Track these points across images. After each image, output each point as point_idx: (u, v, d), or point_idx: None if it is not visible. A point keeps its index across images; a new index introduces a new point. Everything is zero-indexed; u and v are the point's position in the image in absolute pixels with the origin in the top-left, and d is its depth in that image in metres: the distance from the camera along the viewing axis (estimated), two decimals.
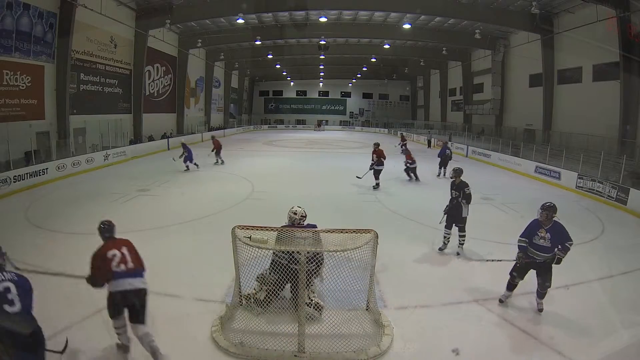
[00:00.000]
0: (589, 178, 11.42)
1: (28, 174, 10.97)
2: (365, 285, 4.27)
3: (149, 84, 23.51)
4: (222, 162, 15.85)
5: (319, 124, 45.67)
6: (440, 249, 6.43)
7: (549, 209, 4.36)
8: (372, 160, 11.32)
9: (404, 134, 26.00)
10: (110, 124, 17.59)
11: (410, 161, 12.90)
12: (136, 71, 21.06)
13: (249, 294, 4.36)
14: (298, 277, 3.79)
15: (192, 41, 25.71)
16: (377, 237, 3.97)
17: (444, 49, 27.47)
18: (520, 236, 4.54)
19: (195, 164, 14.37)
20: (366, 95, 49.39)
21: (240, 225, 4.00)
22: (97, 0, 15.40)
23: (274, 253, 4.20)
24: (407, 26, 22.21)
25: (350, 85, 48.34)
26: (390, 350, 3.71)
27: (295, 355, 3.56)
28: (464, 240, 6.32)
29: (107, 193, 10.31)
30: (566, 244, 4.29)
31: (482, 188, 11.94)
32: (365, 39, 27.42)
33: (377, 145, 11.53)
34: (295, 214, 4.53)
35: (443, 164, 13.73)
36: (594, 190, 11.07)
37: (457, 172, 6.36)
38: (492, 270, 5.64)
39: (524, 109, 23.24)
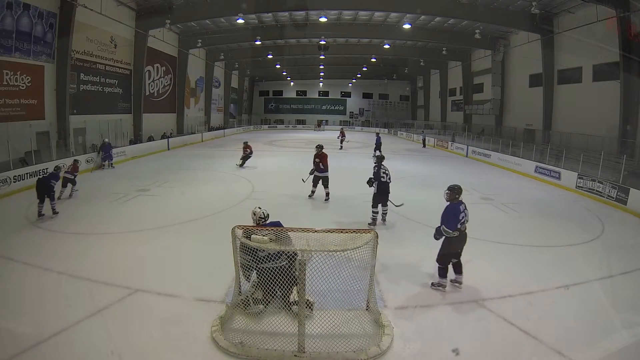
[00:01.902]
0: (589, 178, 11.42)
1: (28, 174, 10.95)
2: (365, 285, 4.27)
3: (149, 84, 23.51)
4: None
5: (319, 124, 45.66)
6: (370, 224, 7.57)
7: (449, 189, 4.94)
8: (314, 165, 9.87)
9: (343, 128, 26.88)
10: (110, 124, 17.57)
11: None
12: (136, 71, 21.06)
13: (246, 298, 4.33)
14: (272, 275, 3.92)
15: (192, 41, 25.70)
16: (377, 237, 3.97)
17: (444, 49, 27.46)
18: None
19: (110, 163, 14.78)
20: (366, 95, 49.37)
21: (240, 225, 4.00)
22: (97, 0, 15.40)
23: (240, 257, 4.17)
24: (407, 26, 22.20)
25: (350, 85, 48.31)
26: (390, 350, 3.71)
27: (295, 355, 3.56)
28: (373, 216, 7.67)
29: (107, 193, 10.30)
30: (438, 226, 4.82)
31: (482, 188, 11.96)
32: (365, 39, 27.40)
33: (320, 148, 10.05)
34: (254, 214, 4.55)
35: (377, 148, 18.97)
36: (594, 190, 11.07)
37: (378, 158, 7.80)
38: (493, 271, 5.65)
39: (524, 109, 23.24)
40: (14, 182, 10.35)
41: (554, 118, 20.35)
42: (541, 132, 20.62)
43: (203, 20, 22.75)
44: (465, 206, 4.85)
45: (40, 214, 7.82)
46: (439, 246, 4.95)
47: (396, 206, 7.65)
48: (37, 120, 14.30)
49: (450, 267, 4.98)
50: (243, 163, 15.40)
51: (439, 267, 4.96)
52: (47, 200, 7.89)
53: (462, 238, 4.85)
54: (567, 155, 13.58)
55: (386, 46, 28.21)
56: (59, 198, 8.91)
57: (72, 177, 9.74)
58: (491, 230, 7.62)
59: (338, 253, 3.82)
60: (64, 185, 9.57)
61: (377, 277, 4.72)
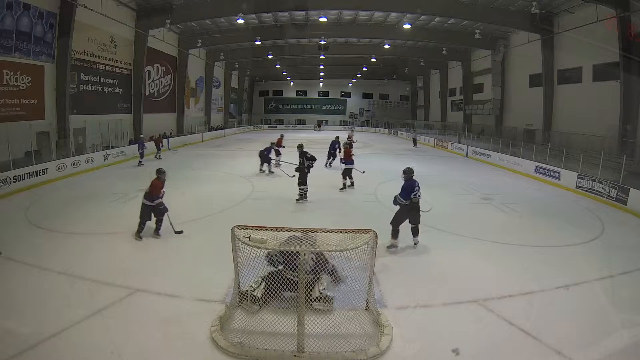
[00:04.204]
0: (589, 178, 11.41)
1: (28, 174, 10.96)
2: (365, 285, 4.27)
3: (149, 84, 23.50)
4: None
5: (319, 124, 45.66)
6: (298, 200, 9.25)
7: (403, 172, 6.35)
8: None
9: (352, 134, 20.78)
10: (110, 124, 17.57)
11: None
12: (136, 71, 21.04)
13: (245, 291, 4.37)
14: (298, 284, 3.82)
15: (192, 41, 25.69)
16: (376, 237, 3.96)
17: (444, 49, 27.45)
18: None
19: (140, 162, 15.60)
20: (366, 95, 49.36)
21: (240, 225, 3.99)
22: (97, 0, 15.39)
23: (271, 264, 4.26)
24: (407, 26, 22.20)
25: (350, 85, 48.29)
26: (390, 350, 3.71)
27: (294, 355, 3.56)
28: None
29: (107, 193, 10.30)
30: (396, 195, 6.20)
31: (482, 188, 11.95)
32: (365, 39, 27.37)
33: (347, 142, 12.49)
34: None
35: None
36: (594, 190, 11.07)
37: (298, 146, 9.90)
38: (493, 271, 5.66)
39: (524, 109, 23.23)
40: (14, 182, 10.35)
41: (554, 118, 20.34)
42: (541, 132, 20.61)
43: (203, 20, 22.73)
44: (418, 184, 6.20)
45: (261, 170, 13.34)
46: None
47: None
48: (37, 120, 14.29)
49: (410, 232, 6.35)
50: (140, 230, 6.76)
51: (392, 230, 6.18)
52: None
53: (412, 208, 6.11)
54: (567, 155, 13.57)
55: (386, 46, 28.17)
56: (279, 163, 13.22)
57: (278, 148, 14.61)
58: (491, 230, 7.62)
59: (338, 253, 3.82)
60: (277, 154, 14.19)
61: (376, 277, 4.72)
